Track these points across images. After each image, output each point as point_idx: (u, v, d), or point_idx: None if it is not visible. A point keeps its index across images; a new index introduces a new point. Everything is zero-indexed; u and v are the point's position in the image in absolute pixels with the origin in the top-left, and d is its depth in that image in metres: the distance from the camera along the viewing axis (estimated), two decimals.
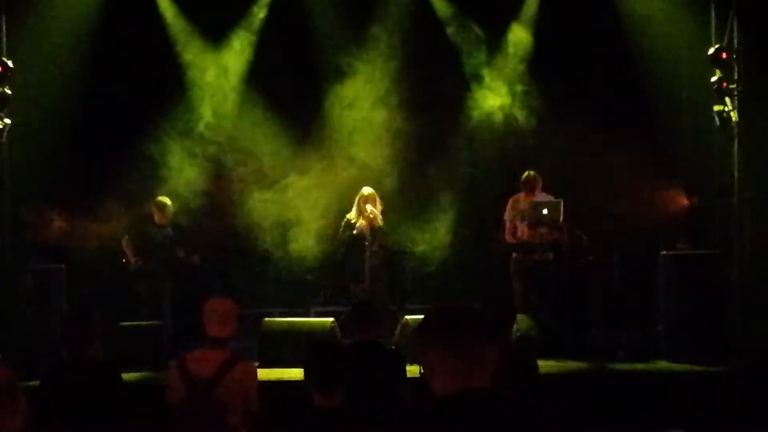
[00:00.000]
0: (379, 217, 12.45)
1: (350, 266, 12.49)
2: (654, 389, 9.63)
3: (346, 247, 12.77)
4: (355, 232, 12.45)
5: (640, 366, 10.67)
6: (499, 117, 14.24)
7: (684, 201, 12.77)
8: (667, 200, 12.94)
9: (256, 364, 9.95)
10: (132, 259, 12.39)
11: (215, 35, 14.71)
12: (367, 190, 12.52)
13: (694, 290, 10.84)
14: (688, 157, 12.77)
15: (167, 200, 12.69)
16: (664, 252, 11.74)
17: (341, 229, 12.90)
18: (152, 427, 6.24)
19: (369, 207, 12.34)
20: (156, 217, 12.59)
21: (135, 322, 11.65)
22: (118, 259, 12.65)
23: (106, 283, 13.11)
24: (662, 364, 10.70)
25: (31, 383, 6.24)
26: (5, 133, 11.02)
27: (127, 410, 6.24)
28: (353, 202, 12.66)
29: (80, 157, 13.57)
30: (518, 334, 11.17)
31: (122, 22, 13.60)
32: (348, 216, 12.61)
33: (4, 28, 11.26)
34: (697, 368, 10.29)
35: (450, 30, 14.62)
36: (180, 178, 13.63)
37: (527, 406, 5.76)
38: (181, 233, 12.71)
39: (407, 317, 11.51)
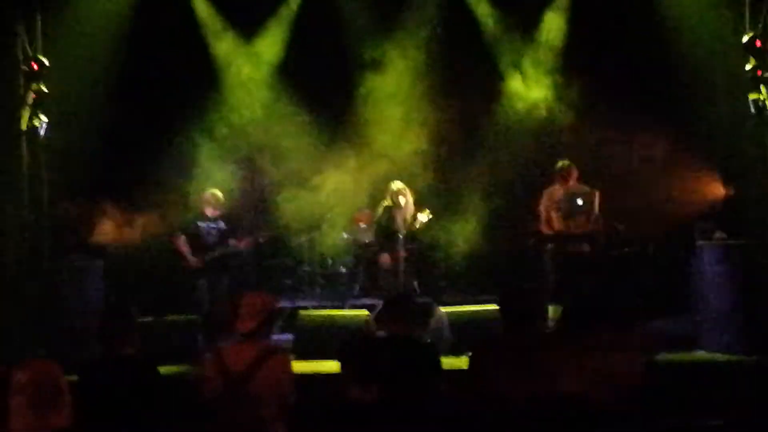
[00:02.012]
0: (411, 210, 12.44)
1: (383, 260, 12.52)
2: (691, 379, 9.57)
3: (379, 240, 12.80)
4: (388, 225, 12.48)
5: (676, 356, 10.62)
6: (533, 108, 14.22)
7: (720, 189, 12.69)
8: (702, 189, 12.85)
9: (292, 357, 9.98)
10: (191, 259, 12.41)
11: (248, 29, 14.77)
12: (397, 185, 12.51)
13: (731, 280, 10.76)
14: (724, 146, 12.68)
15: (218, 192, 12.66)
16: (700, 242, 11.67)
17: (377, 218, 12.93)
18: (189, 421, 6.27)
19: (401, 199, 12.34)
20: (208, 211, 12.57)
21: (172, 317, 11.70)
22: (173, 258, 12.64)
23: (144, 278, 13.21)
24: (699, 354, 10.65)
25: (69, 378, 6.29)
26: (43, 131, 11.09)
27: (164, 406, 6.27)
28: (385, 195, 12.67)
29: (116, 153, 13.67)
30: (553, 324, 11.16)
31: (156, 18, 13.67)
32: (384, 204, 12.62)
33: (39, 26, 11.33)
34: (734, 358, 10.23)
35: (483, 20, 14.60)
36: (214, 173, 13.68)
37: None
38: (232, 225, 12.72)
39: (441, 310, 11.52)
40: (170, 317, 11.66)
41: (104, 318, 6.46)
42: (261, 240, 12.72)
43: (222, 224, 12.55)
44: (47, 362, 5.00)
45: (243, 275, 13.96)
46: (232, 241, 12.46)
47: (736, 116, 12.15)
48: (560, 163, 12.46)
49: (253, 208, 14.66)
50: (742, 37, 11.44)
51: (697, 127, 13.21)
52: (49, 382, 4.82)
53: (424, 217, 12.50)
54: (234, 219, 12.89)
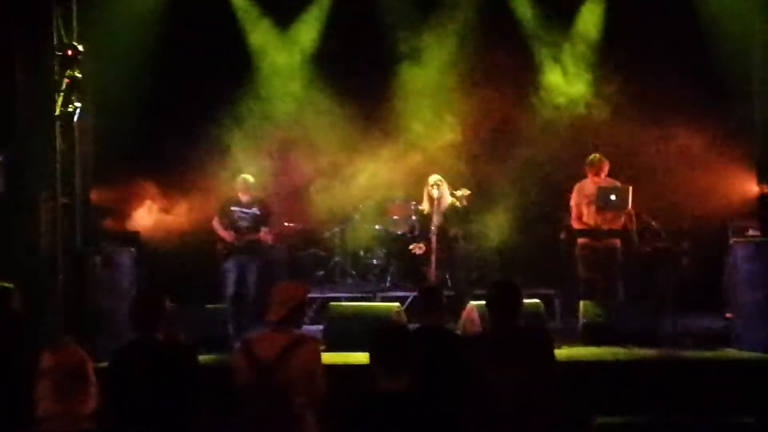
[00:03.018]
0: (448, 203, 12.40)
1: (416, 250, 12.48)
2: (723, 377, 9.51)
3: (413, 233, 12.79)
4: (423, 217, 12.46)
5: (709, 354, 10.54)
6: (569, 101, 14.16)
7: (754, 187, 12.60)
8: (736, 186, 12.77)
9: (322, 348, 9.98)
10: (225, 234, 12.47)
11: (284, 17, 14.80)
12: (434, 178, 12.47)
13: (764, 278, 10.67)
14: (760, 144, 12.59)
15: (250, 177, 12.70)
16: (734, 239, 11.59)
17: (411, 215, 12.94)
18: (221, 409, 6.28)
19: (436, 193, 12.30)
20: (241, 196, 12.62)
21: (202, 305, 11.73)
22: (209, 241, 12.75)
23: (177, 266, 13.26)
24: (732, 352, 10.56)
25: (100, 365, 6.30)
26: (76, 117, 11.12)
27: (197, 392, 6.28)
28: (420, 187, 12.63)
29: (150, 140, 13.75)
30: (584, 320, 11.11)
31: (191, 5, 13.72)
32: (422, 205, 12.60)
33: (75, 12, 11.37)
34: (765, 356, 10.16)
35: (520, 12, 14.57)
36: (247, 161, 13.70)
37: None
38: (266, 212, 12.74)
39: (472, 303, 11.49)
40: (202, 306, 11.68)
41: (135, 303, 6.47)
42: (287, 233, 12.63)
43: (256, 210, 12.59)
44: (74, 348, 5.02)
45: (273, 265, 13.99)
46: (264, 230, 12.48)
47: None
48: (591, 157, 12.37)
49: (286, 197, 14.63)
50: None
51: (732, 124, 13.15)
52: (75, 367, 4.84)
53: (464, 192, 12.42)
54: (269, 206, 12.86)
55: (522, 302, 6.67)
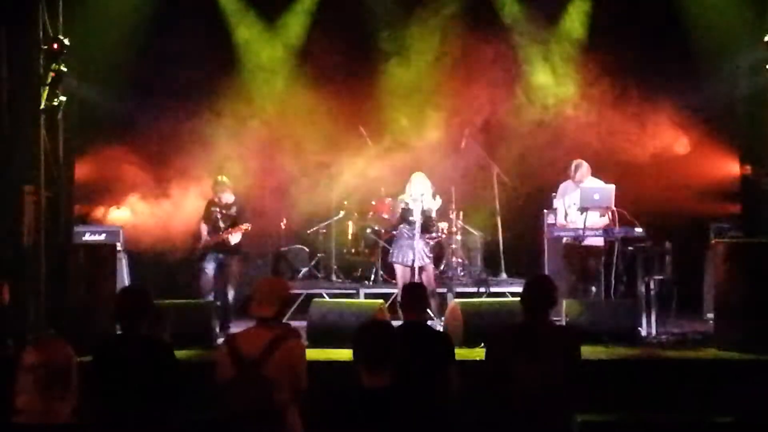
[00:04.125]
0: (430, 200, 12.42)
1: (399, 249, 12.48)
2: (703, 376, 9.56)
3: (396, 230, 12.80)
4: (405, 215, 12.45)
5: (689, 353, 10.59)
6: (553, 99, 14.22)
7: (735, 167, 12.75)
8: (719, 168, 12.91)
9: (305, 344, 9.99)
10: (203, 239, 12.50)
11: (269, 13, 14.81)
12: (417, 175, 12.48)
13: (745, 278, 10.72)
14: (741, 126, 12.77)
15: (223, 178, 12.67)
16: (715, 239, 11.66)
17: (393, 211, 12.95)
18: (204, 404, 6.29)
19: (417, 190, 12.30)
20: (219, 196, 12.61)
21: (186, 300, 11.72)
22: (193, 237, 12.78)
23: (161, 261, 13.26)
24: (712, 352, 10.61)
25: (83, 359, 6.30)
26: (61, 110, 11.10)
27: (178, 387, 6.29)
28: (404, 185, 12.63)
29: (134, 136, 13.75)
30: (567, 319, 11.14)
31: (178, 1, 13.72)
32: (401, 197, 12.58)
33: (61, 6, 11.34)
34: (746, 356, 10.20)
35: (505, 11, 14.61)
36: (232, 160, 13.70)
37: None
38: (243, 212, 12.72)
39: (456, 300, 11.52)
40: (185, 301, 11.69)
41: (119, 297, 6.47)
42: (246, 229, 12.57)
43: (234, 210, 12.58)
44: (58, 342, 5.00)
45: (256, 261, 14.03)
46: (233, 229, 12.42)
47: (756, 115, 12.22)
48: (575, 160, 12.42)
49: (269, 198, 14.62)
50: (764, 36, 11.42)
51: (715, 113, 13.32)
52: (58, 362, 4.82)
53: (435, 204, 12.49)
54: (243, 205, 12.85)
55: (556, 299, 6.75)
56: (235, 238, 12.39)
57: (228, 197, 12.58)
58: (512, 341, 6.48)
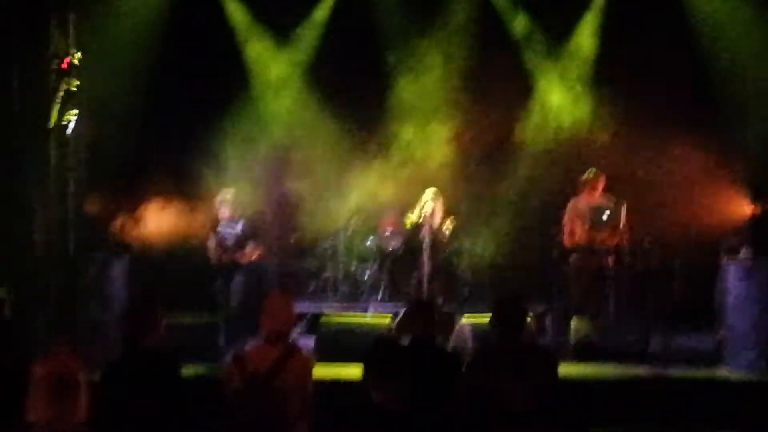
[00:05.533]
0: (441, 218, 12.41)
1: (408, 267, 12.47)
2: (713, 396, 9.53)
3: (405, 247, 12.79)
4: (415, 232, 12.45)
5: (699, 373, 10.56)
6: (564, 119, 14.22)
7: (747, 207, 12.64)
8: (730, 205, 12.80)
9: (314, 359, 9.98)
10: (212, 255, 12.44)
11: (280, 31, 14.85)
12: (429, 192, 12.48)
13: (755, 298, 10.70)
14: (754, 164, 12.65)
15: (229, 192, 12.59)
16: (726, 259, 11.62)
17: (404, 229, 12.94)
18: (210, 419, 6.28)
19: (429, 207, 12.30)
20: (223, 212, 12.53)
21: (194, 318, 11.71)
22: (202, 255, 12.71)
23: (169, 277, 13.24)
24: (722, 372, 10.58)
25: (92, 372, 6.31)
26: (72, 126, 11.13)
27: (186, 400, 6.29)
28: (413, 201, 12.63)
29: (145, 151, 13.75)
30: (576, 337, 11.12)
31: (188, 19, 13.75)
32: (410, 215, 12.58)
33: (72, 23, 11.38)
34: (756, 377, 10.18)
35: (516, 28, 14.63)
36: (243, 175, 13.70)
37: None
38: (252, 228, 12.68)
39: (464, 320, 11.49)
40: (193, 317, 11.68)
41: (128, 311, 6.48)
42: (260, 254, 12.51)
43: (240, 227, 12.52)
44: (67, 356, 5.02)
45: (262, 277, 14.01)
46: (248, 248, 12.36)
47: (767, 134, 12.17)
48: (588, 172, 12.38)
49: (278, 211, 14.62)
50: None
51: (727, 144, 13.20)
52: (68, 376, 4.83)
53: (449, 225, 12.49)
54: (255, 222, 12.82)
55: (526, 320, 6.68)
56: (246, 258, 12.38)
57: (232, 212, 12.54)
58: (493, 362, 6.42)
